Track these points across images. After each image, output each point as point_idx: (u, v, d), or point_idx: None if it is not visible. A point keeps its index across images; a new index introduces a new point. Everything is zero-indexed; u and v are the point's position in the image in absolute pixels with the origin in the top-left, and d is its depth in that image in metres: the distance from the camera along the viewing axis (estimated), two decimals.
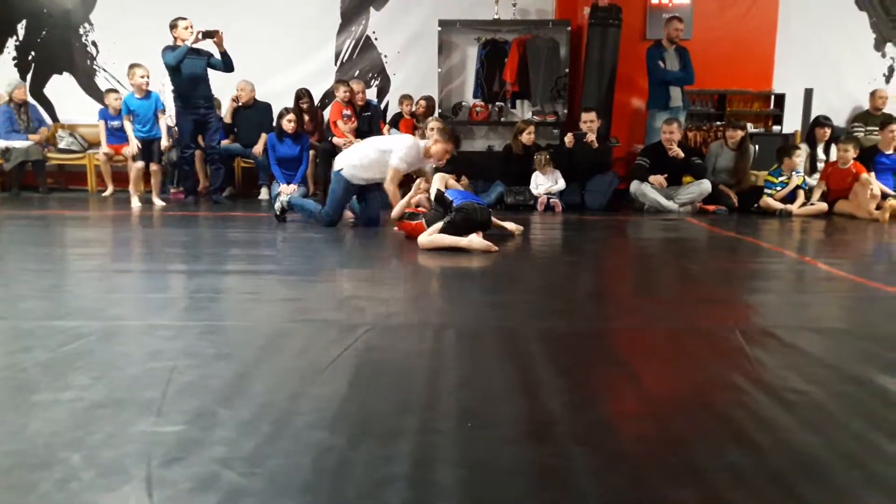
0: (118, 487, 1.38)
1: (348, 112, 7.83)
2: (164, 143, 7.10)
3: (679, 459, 1.56)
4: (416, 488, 1.40)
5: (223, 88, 7.63)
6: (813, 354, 2.35)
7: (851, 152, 6.77)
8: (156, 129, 6.99)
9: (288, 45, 8.54)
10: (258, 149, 7.70)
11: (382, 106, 8.73)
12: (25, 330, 2.49)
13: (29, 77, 8.79)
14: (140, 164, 6.97)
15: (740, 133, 7.19)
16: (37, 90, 8.84)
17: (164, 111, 7.08)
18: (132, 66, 6.85)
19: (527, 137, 7.27)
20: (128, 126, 6.86)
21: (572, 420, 1.77)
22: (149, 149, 6.98)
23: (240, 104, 7.96)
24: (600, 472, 1.49)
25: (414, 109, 8.19)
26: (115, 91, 8.05)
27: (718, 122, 8.18)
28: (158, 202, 7.08)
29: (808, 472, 1.50)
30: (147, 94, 6.91)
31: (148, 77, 6.87)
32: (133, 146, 6.86)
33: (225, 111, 8.02)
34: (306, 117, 7.89)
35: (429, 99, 8.29)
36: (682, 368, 2.24)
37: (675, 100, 7.48)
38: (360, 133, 7.76)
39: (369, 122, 7.97)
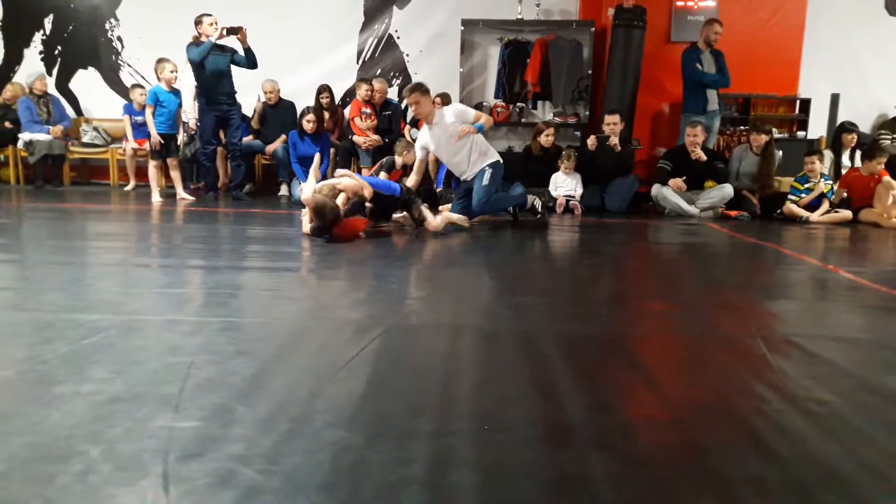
0: (136, 482, 1.38)
1: (367, 110, 7.84)
2: (180, 138, 7.22)
3: (700, 467, 1.54)
4: (433, 491, 1.40)
5: (245, 85, 7.66)
6: (836, 364, 2.32)
7: (883, 165, 6.68)
8: (175, 126, 7.10)
9: (310, 43, 8.57)
10: (271, 147, 7.77)
11: (403, 105, 8.73)
12: (46, 322, 2.51)
13: (55, 71, 8.89)
14: (157, 160, 7.07)
15: (765, 137, 7.09)
16: (62, 84, 8.94)
17: (181, 107, 7.19)
18: (161, 61, 6.93)
19: (545, 139, 7.24)
20: (149, 117, 6.92)
21: (591, 425, 1.75)
22: (168, 145, 7.07)
23: (268, 105, 8.05)
24: (619, 479, 1.47)
25: None
26: (141, 87, 8.12)
27: (742, 127, 8.10)
28: (187, 196, 7.15)
29: (831, 484, 1.47)
30: (173, 90, 7.01)
31: (177, 72, 6.96)
32: (156, 138, 6.94)
33: (253, 114, 8.07)
34: (326, 114, 7.91)
35: (445, 96, 8.25)
36: (703, 375, 2.21)
37: (711, 103, 7.39)
38: (381, 131, 7.78)
39: (389, 120, 7.97)
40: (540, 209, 5.68)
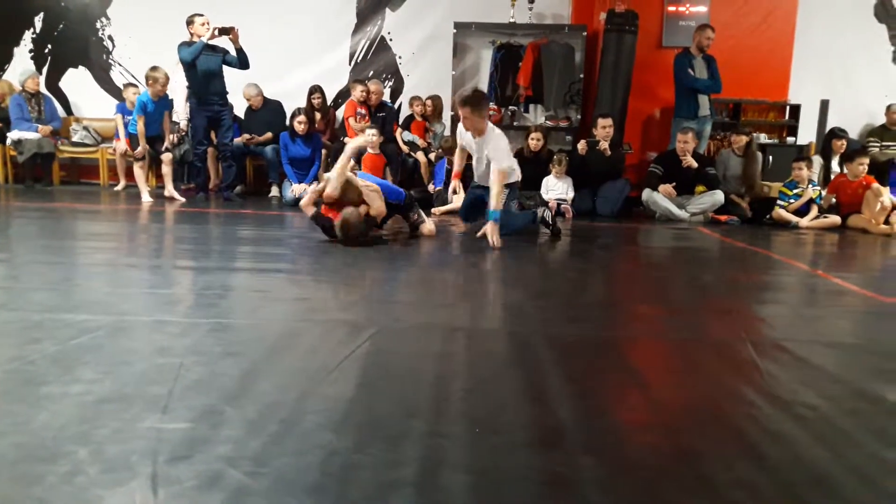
0: (124, 483, 1.37)
1: (362, 111, 7.83)
2: (171, 138, 7.22)
3: (689, 471, 1.54)
4: (423, 493, 1.39)
5: (238, 85, 7.65)
6: (824, 369, 2.33)
7: (866, 166, 6.72)
8: (161, 128, 7.11)
9: (303, 44, 8.55)
10: (260, 138, 7.81)
11: (395, 107, 8.73)
12: (35, 322, 2.49)
13: (45, 70, 8.83)
14: (142, 161, 7.05)
15: (745, 138, 7.17)
16: (52, 83, 8.88)
17: (170, 112, 7.17)
18: (153, 70, 6.88)
19: (532, 143, 7.22)
20: (141, 128, 6.91)
21: (582, 428, 1.75)
22: (153, 145, 7.06)
23: (253, 109, 8.06)
24: (609, 482, 1.47)
25: (423, 111, 8.17)
26: (135, 86, 8.08)
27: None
28: (177, 195, 7.11)
29: (820, 488, 1.48)
30: (161, 97, 7.01)
31: (167, 85, 6.95)
32: (143, 147, 6.94)
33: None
34: (318, 115, 7.90)
35: (436, 99, 8.26)
36: (693, 379, 2.22)
37: (703, 108, 7.40)
38: None
39: (383, 122, 7.96)
40: (550, 220, 5.35)
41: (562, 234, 5.42)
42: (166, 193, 7.13)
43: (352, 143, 5.22)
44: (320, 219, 4.65)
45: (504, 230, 4.96)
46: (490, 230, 4.75)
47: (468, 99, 4.95)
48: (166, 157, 7.13)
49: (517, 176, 5.34)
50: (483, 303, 3.34)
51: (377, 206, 4.73)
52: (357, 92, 7.79)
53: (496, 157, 4.91)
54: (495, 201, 4.84)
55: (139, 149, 6.98)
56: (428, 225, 5.09)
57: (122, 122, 7.86)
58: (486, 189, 5.20)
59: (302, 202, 4.79)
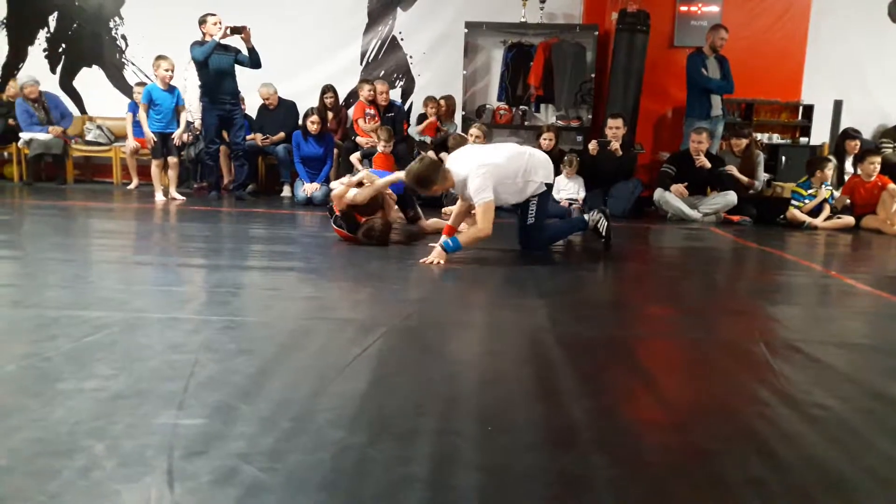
0: (140, 478, 1.38)
1: (371, 111, 7.85)
2: (183, 137, 7.23)
3: (702, 471, 1.54)
4: (434, 491, 1.40)
5: (248, 85, 7.68)
6: (838, 369, 2.32)
7: (877, 165, 6.69)
8: (173, 124, 7.09)
9: (314, 44, 8.57)
10: (274, 138, 7.85)
11: (406, 107, 8.74)
12: (50, 318, 2.51)
13: (59, 69, 8.89)
14: (159, 159, 7.06)
15: (745, 141, 7.15)
16: (66, 82, 8.95)
17: (183, 107, 7.18)
18: (158, 58, 6.94)
19: (544, 143, 7.20)
20: (143, 116, 6.94)
21: (593, 428, 1.75)
22: (165, 143, 7.06)
23: (269, 108, 8.09)
24: (621, 482, 1.47)
25: (438, 111, 8.17)
26: (146, 84, 8.13)
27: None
28: (178, 196, 7.10)
29: (833, 489, 1.48)
30: (170, 88, 7.01)
31: (172, 70, 6.96)
32: (150, 136, 6.94)
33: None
34: (330, 114, 7.93)
35: (449, 99, 8.26)
36: (706, 379, 2.22)
37: (715, 108, 7.37)
38: None
39: (392, 122, 7.97)
40: (605, 232, 4.65)
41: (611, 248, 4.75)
42: (169, 196, 7.11)
43: (396, 175, 4.83)
44: (349, 219, 4.59)
45: (537, 245, 4.59)
46: (435, 255, 4.07)
47: (415, 181, 4.21)
48: (172, 160, 7.14)
49: (542, 187, 4.47)
50: (493, 301, 3.34)
51: (392, 214, 4.83)
52: (365, 91, 7.83)
53: (474, 194, 4.18)
54: (465, 237, 4.18)
55: (147, 138, 6.97)
56: (424, 222, 5.14)
57: (134, 120, 7.90)
58: (519, 206, 4.57)
59: (336, 193, 4.58)
